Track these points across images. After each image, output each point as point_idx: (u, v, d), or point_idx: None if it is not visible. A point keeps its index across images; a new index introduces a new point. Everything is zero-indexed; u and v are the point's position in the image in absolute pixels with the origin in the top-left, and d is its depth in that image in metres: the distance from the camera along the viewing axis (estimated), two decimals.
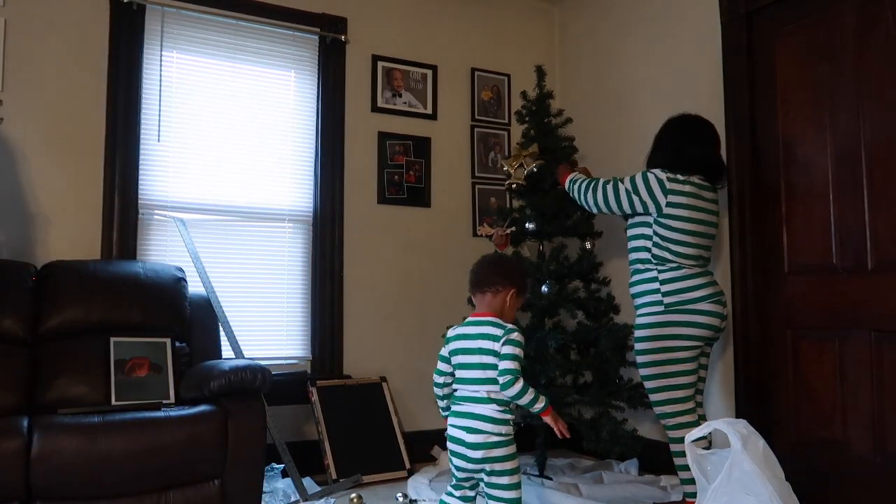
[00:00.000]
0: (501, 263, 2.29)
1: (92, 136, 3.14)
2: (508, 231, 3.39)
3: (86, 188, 3.12)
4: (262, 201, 3.52)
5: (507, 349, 2.05)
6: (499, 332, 2.08)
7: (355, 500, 2.83)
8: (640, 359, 2.66)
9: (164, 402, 2.61)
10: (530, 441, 3.43)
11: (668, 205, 2.60)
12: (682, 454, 2.32)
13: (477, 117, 4.10)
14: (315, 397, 3.32)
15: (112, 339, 2.67)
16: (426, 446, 3.63)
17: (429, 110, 3.95)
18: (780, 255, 2.95)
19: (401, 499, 2.87)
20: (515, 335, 2.08)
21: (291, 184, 3.60)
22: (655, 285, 2.64)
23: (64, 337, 2.67)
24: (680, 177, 2.62)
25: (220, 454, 2.40)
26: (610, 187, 2.75)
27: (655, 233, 2.64)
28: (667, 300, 2.61)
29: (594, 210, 2.85)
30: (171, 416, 2.37)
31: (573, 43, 4.23)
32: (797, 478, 2.11)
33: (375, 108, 3.80)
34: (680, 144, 2.70)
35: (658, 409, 2.64)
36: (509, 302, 2.19)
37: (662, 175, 2.63)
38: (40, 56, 3.07)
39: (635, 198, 2.67)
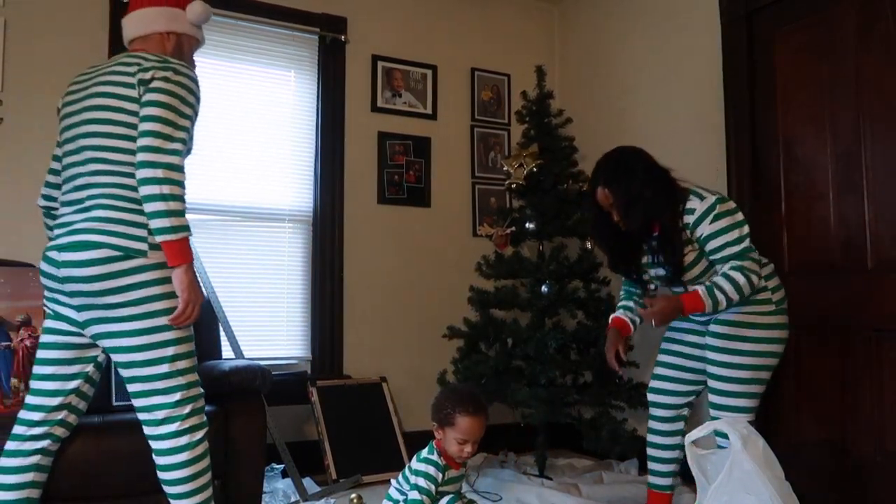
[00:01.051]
0: (436, 396, 2.43)
1: None
2: (508, 231, 3.39)
3: None
4: (262, 201, 3.52)
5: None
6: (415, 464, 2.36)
7: (355, 500, 2.83)
8: (755, 361, 2.29)
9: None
10: (530, 441, 3.44)
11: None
12: None
13: (477, 117, 4.10)
14: (315, 397, 3.32)
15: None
16: (426, 446, 3.62)
17: (429, 110, 3.95)
18: (780, 255, 2.95)
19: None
20: (422, 468, 2.31)
21: (291, 184, 3.60)
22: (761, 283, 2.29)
23: None
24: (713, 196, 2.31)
25: (220, 454, 2.40)
26: (749, 248, 2.24)
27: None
28: (775, 297, 2.33)
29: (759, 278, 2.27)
30: None
31: (573, 43, 4.23)
32: (797, 478, 2.11)
33: (375, 108, 3.80)
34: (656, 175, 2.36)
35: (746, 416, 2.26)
36: (440, 436, 2.35)
37: (728, 203, 2.28)
38: (40, 56, 3.07)
39: (747, 227, 2.27)
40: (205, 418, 2.03)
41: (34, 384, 2.02)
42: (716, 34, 3.23)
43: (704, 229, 2.22)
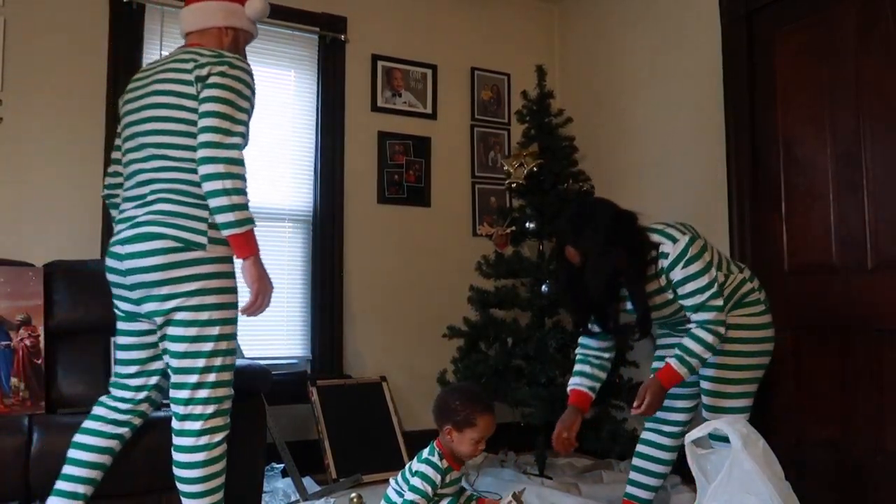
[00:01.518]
0: (439, 399, 2.34)
1: (92, 135, 3.14)
2: (508, 230, 3.39)
3: (86, 188, 3.12)
4: (262, 201, 3.51)
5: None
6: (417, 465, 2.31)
7: (355, 500, 2.83)
8: (751, 361, 2.29)
9: (164, 402, 2.61)
10: (530, 440, 3.44)
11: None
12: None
13: (477, 117, 4.10)
14: (315, 397, 3.32)
15: (112, 339, 2.67)
16: (426, 446, 3.62)
17: (429, 110, 3.95)
18: (780, 255, 2.95)
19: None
20: (421, 469, 2.26)
21: (291, 183, 3.60)
22: (749, 285, 2.32)
23: (64, 336, 2.67)
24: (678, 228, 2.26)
25: None
26: (718, 297, 2.17)
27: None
28: (763, 296, 2.34)
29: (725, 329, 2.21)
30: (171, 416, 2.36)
31: (573, 43, 4.23)
32: (797, 478, 2.11)
33: (375, 108, 3.80)
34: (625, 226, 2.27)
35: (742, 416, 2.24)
36: (454, 439, 2.26)
37: (686, 238, 2.21)
38: (40, 56, 3.07)
39: (714, 270, 2.20)
40: (228, 421, 2.05)
41: (120, 379, 2.11)
42: (716, 34, 3.23)
43: (677, 274, 2.18)
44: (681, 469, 2.62)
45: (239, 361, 2.62)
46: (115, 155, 2.20)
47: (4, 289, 2.59)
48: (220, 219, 1.89)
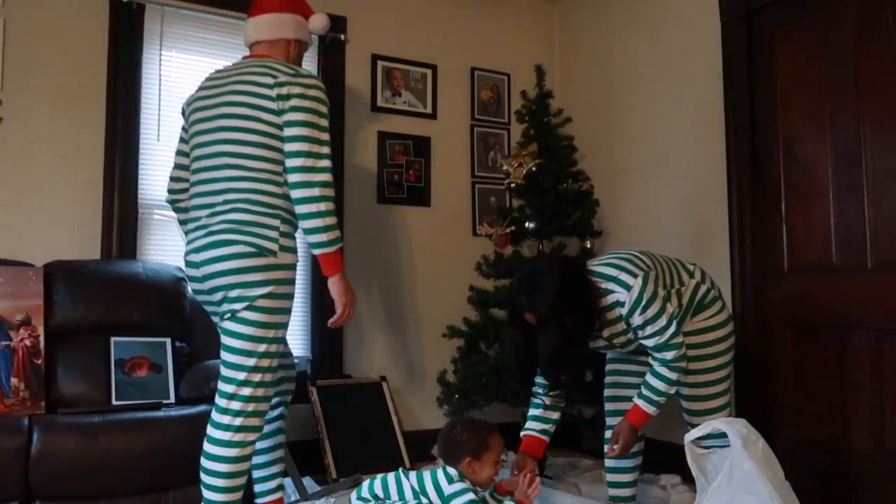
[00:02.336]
0: (445, 438, 2.19)
1: (92, 135, 3.14)
2: (508, 230, 3.39)
3: (86, 188, 3.12)
4: None
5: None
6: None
7: None
8: (723, 359, 2.33)
9: (164, 401, 2.61)
10: None
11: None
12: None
13: (477, 117, 4.10)
14: (315, 397, 3.32)
15: (112, 339, 2.68)
16: (426, 446, 3.62)
17: (428, 110, 3.95)
18: (780, 254, 2.96)
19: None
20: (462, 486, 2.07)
21: None
22: (703, 287, 2.35)
23: (64, 336, 2.67)
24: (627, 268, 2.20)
25: None
26: (676, 339, 2.17)
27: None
28: (720, 292, 2.39)
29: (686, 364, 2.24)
30: (171, 416, 2.37)
31: (573, 42, 4.23)
32: (797, 478, 2.11)
33: (375, 108, 3.80)
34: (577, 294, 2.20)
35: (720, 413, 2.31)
36: (475, 469, 2.14)
37: (639, 280, 2.16)
38: (40, 56, 3.07)
39: (672, 316, 2.18)
40: (261, 424, 2.12)
41: None
42: (716, 34, 3.23)
43: (636, 320, 2.18)
44: (681, 469, 2.63)
45: None
46: (181, 160, 2.26)
47: (4, 289, 2.59)
48: (313, 239, 2.04)
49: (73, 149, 3.11)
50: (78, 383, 2.59)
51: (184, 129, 2.25)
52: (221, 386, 2.06)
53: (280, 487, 2.41)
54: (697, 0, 3.35)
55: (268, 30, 2.18)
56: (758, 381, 3.00)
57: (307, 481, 3.11)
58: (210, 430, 2.05)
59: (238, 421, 2.03)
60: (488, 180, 4.08)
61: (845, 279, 2.70)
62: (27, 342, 2.57)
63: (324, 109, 2.06)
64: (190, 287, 2.16)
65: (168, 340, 2.76)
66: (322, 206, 2.02)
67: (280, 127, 2.01)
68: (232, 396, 2.03)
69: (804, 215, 2.87)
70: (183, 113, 2.24)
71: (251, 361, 2.02)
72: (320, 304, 3.57)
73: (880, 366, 2.58)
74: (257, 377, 2.04)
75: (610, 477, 2.53)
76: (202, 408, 2.45)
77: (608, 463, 2.52)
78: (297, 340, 3.57)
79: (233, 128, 2.03)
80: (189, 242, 2.10)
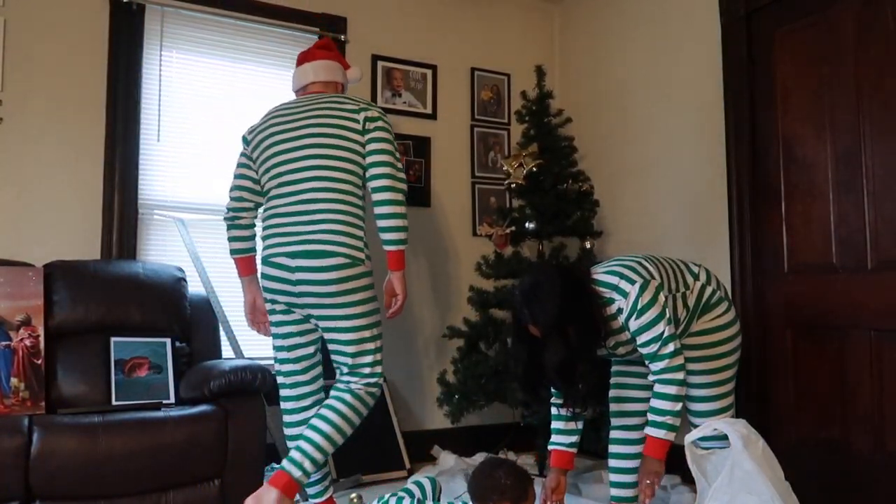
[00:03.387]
0: (486, 479, 2.13)
1: (92, 135, 3.14)
2: (508, 231, 3.39)
3: (86, 188, 3.12)
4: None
5: None
6: None
7: (355, 500, 2.83)
8: (729, 360, 2.34)
9: (164, 402, 2.61)
10: (530, 441, 3.44)
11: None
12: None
13: (477, 117, 4.10)
14: None
15: (112, 339, 2.67)
16: (426, 446, 3.63)
17: (428, 110, 3.95)
18: (780, 254, 2.96)
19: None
20: None
21: None
22: (709, 288, 2.37)
23: (64, 337, 2.67)
24: (629, 279, 2.20)
25: (220, 454, 2.41)
26: (673, 343, 2.18)
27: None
28: (725, 293, 2.41)
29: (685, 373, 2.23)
30: (171, 416, 2.37)
31: (573, 43, 4.23)
32: (797, 478, 2.11)
33: None
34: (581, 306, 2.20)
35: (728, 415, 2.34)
36: None
37: (636, 287, 2.18)
38: (40, 56, 3.07)
39: (668, 325, 2.17)
40: (378, 390, 2.44)
41: (301, 364, 2.49)
42: (716, 34, 3.23)
43: (633, 325, 2.19)
44: (681, 469, 2.62)
45: (239, 362, 2.63)
46: (246, 183, 2.54)
47: (4, 289, 2.59)
48: (393, 236, 2.36)
49: (73, 149, 3.11)
50: (78, 383, 2.59)
51: (247, 155, 2.55)
52: (343, 358, 2.39)
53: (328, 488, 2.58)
54: (697, 0, 3.35)
55: (324, 73, 2.58)
56: (758, 381, 3.00)
57: None
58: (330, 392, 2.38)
59: (365, 405, 2.41)
60: (488, 180, 4.08)
61: (845, 279, 2.70)
62: (27, 342, 2.57)
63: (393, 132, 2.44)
64: (273, 274, 2.35)
65: (168, 340, 2.76)
66: (403, 209, 2.35)
67: (363, 145, 2.35)
68: (362, 371, 2.40)
69: (804, 215, 2.87)
70: (245, 140, 2.56)
71: (365, 346, 2.38)
72: None
73: (880, 366, 2.58)
74: (369, 358, 2.39)
75: (613, 477, 2.52)
76: (202, 408, 2.46)
77: (612, 463, 2.51)
78: None
79: (324, 145, 2.33)
80: (277, 245, 2.34)
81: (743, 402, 3.03)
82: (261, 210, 2.53)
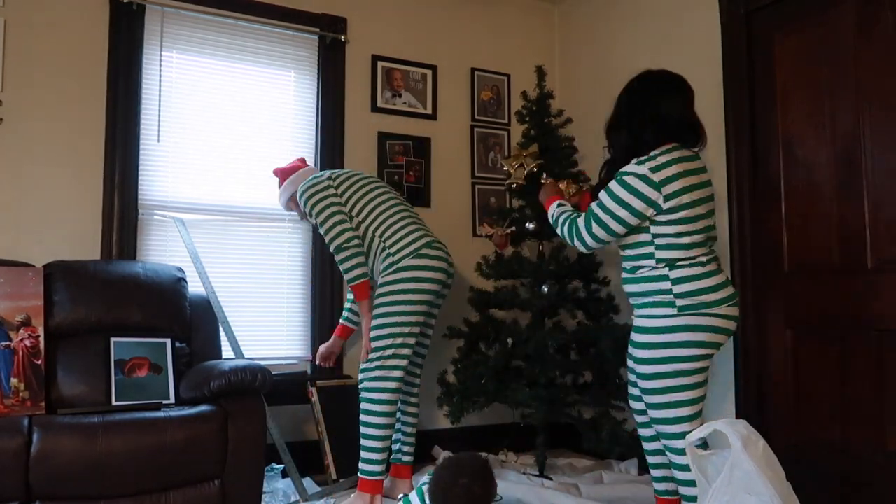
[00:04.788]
0: (451, 487, 2.04)
1: (92, 136, 3.14)
2: (508, 231, 3.39)
3: (86, 188, 3.12)
4: (262, 201, 3.52)
5: None
6: None
7: None
8: (643, 369, 2.25)
9: (164, 402, 2.61)
10: (530, 441, 3.44)
11: (667, 198, 2.18)
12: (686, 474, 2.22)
13: (477, 117, 4.10)
14: (315, 397, 3.32)
15: (112, 339, 2.67)
16: (426, 446, 3.63)
17: (429, 110, 3.95)
18: (780, 255, 2.96)
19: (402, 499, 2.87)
20: None
21: None
22: (665, 284, 2.22)
23: (64, 337, 2.67)
24: (661, 158, 2.21)
25: (220, 454, 2.40)
26: (594, 220, 2.28)
27: (657, 234, 2.23)
28: (679, 302, 2.20)
29: (586, 250, 2.37)
30: (171, 417, 2.37)
31: (573, 43, 4.23)
32: (797, 478, 2.11)
33: (375, 108, 3.80)
34: (646, 107, 2.33)
35: (660, 428, 2.25)
36: None
37: (642, 169, 2.20)
38: (40, 56, 3.07)
39: (626, 212, 2.21)
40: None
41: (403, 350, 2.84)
42: (716, 34, 3.23)
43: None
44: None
45: (239, 362, 2.63)
46: (345, 217, 2.90)
47: (4, 289, 2.59)
48: None
49: (73, 149, 3.11)
50: (78, 384, 2.59)
51: (337, 195, 2.93)
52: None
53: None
54: (697, 0, 3.35)
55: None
56: (758, 381, 3.00)
57: (307, 482, 3.11)
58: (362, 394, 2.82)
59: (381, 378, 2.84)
60: (488, 181, 4.08)
61: (845, 279, 2.70)
62: (27, 342, 2.57)
63: None
64: (433, 286, 2.81)
65: (168, 341, 2.76)
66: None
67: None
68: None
69: (804, 215, 2.87)
70: (334, 187, 2.95)
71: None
72: (320, 303, 3.57)
73: (880, 366, 2.58)
74: (385, 352, 2.84)
75: (653, 472, 2.49)
76: (202, 408, 2.45)
77: (650, 460, 2.49)
78: (297, 340, 3.57)
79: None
80: (429, 247, 2.84)
81: (743, 402, 3.03)
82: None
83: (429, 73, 3.96)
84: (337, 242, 2.84)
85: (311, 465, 3.22)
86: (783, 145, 2.96)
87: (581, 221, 2.34)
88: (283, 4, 3.58)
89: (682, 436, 2.19)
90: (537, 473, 3.27)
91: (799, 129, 2.90)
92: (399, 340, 2.79)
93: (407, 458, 3.05)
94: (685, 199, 2.19)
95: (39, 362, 2.56)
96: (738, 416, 3.01)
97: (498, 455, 3.67)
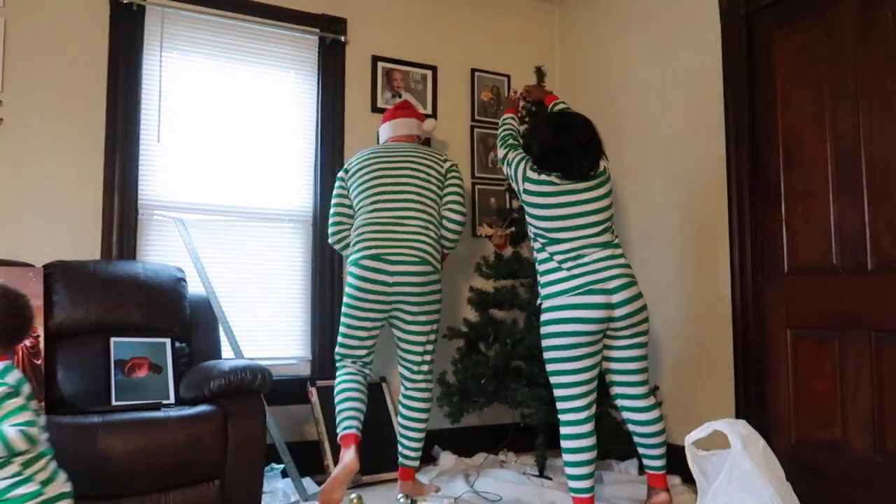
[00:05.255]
0: None
1: (92, 136, 3.14)
2: (508, 231, 3.39)
3: (86, 188, 3.12)
4: (262, 201, 3.52)
5: None
6: None
7: (355, 501, 2.82)
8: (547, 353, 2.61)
9: (164, 402, 2.61)
10: (530, 441, 3.43)
11: (525, 192, 2.66)
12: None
13: (477, 118, 4.10)
14: (315, 397, 3.32)
15: (112, 339, 2.67)
16: (426, 446, 3.63)
17: (429, 111, 3.95)
18: (780, 255, 2.96)
19: (402, 499, 2.87)
20: None
21: (291, 184, 3.60)
22: (540, 278, 2.66)
23: (64, 337, 2.67)
24: (536, 174, 2.64)
25: (219, 454, 2.40)
26: (502, 149, 2.87)
27: (527, 219, 2.72)
28: (542, 291, 2.62)
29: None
30: (170, 417, 2.37)
31: (573, 43, 4.23)
32: (797, 478, 2.11)
33: (375, 109, 3.80)
34: (530, 143, 2.71)
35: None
36: None
37: (526, 163, 2.71)
38: (40, 56, 3.08)
39: (507, 168, 2.80)
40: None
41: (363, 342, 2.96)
42: (716, 34, 3.23)
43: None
44: (681, 469, 2.62)
45: (239, 362, 2.63)
46: (344, 210, 3.03)
47: None
48: (450, 245, 3.02)
49: (73, 149, 3.11)
50: (78, 384, 2.59)
51: (344, 186, 3.04)
52: (409, 356, 3.02)
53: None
54: (697, 0, 3.35)
55: (408, 128, 3.21)
56: (758, 381, 3.00)
57: (307, 481, 3.11)
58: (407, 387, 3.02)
59: (424, 379, 3.02)
60: (488, 181, 4.08)
61: (845, 279, 2.70)
62: (27, 342, 2.57)
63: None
64: (368, 285, 2.82)
65: (168, 341, 2.76)
66: (461, 229, 3.03)
67: (441, 187, 3.04)
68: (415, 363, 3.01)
69: (804, 215, 2.87)
70: (344, 173, 3.06)
71: (429, 347, 3.01)
72: (320, 303, 3.57)
73: (880, 366, 2.58)
74: (429, 348, 3.02)
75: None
76: (202, 408, 2.45)
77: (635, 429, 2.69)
78: (297, 341, 3.57)
79: (416, 184, 2.97)
80: (369, 249, 2.84)
81: (742, 402, 3.03)
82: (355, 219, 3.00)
83: (429, 73, 3.96)
84: (331, 242, 3.11)
85: (311, 465, 3.22)
86: (783, 145, 2.96)
87: (503, 140, 2.91)
88: (283, 5, 3.58)
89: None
90: (537, 473, 3.27)
91: (799, 129, 2.90)
92: (343, 330, 2.95)
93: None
94: (541, 203, 2.69)
95: (39, 362, 2.56)
96: (738, 416, 3.01)
97: (498, 455, 3.67)
